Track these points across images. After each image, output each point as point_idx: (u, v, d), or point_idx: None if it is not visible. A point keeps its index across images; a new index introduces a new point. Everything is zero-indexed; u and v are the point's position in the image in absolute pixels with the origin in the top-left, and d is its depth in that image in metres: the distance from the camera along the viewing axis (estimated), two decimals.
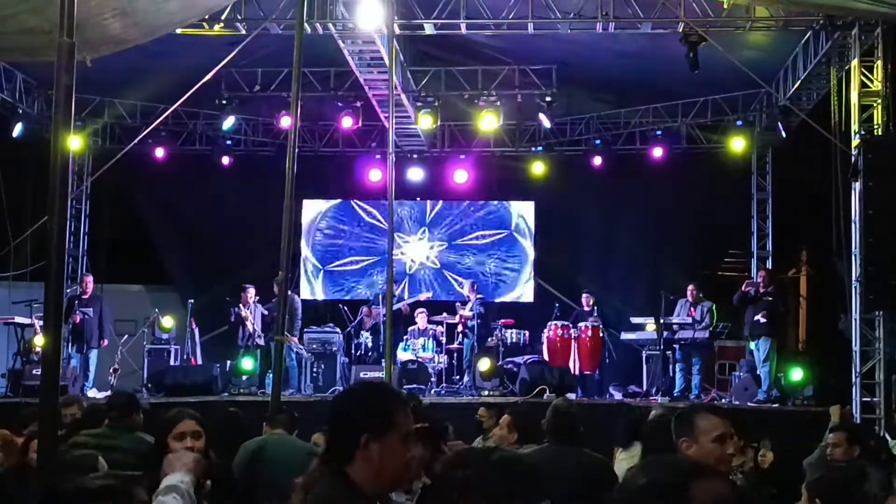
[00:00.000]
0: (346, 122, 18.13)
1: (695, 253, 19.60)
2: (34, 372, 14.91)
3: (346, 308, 18.66)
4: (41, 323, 14.40)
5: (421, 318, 17.90)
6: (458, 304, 18.46)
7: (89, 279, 17.82)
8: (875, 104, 14.07)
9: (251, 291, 17.34)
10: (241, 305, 17.18)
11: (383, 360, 13.62)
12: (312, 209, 21.24)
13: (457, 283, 20.53)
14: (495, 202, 21.26)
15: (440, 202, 21.26)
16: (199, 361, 17.84)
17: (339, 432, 3.37)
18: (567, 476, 6.08)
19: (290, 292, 15.89)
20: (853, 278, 14.02)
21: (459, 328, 17.95)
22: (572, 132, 20.17)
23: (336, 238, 21.32)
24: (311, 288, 21.03)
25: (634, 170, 19.83)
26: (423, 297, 19.04)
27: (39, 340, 15.44)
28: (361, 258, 21.12)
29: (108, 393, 15.04)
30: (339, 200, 21.38)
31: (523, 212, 21.09)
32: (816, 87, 16.55)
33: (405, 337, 17.64)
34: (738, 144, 18.91)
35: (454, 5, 14.67)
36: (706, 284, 17.98)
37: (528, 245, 20.96)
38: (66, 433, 6.81)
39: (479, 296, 18.25)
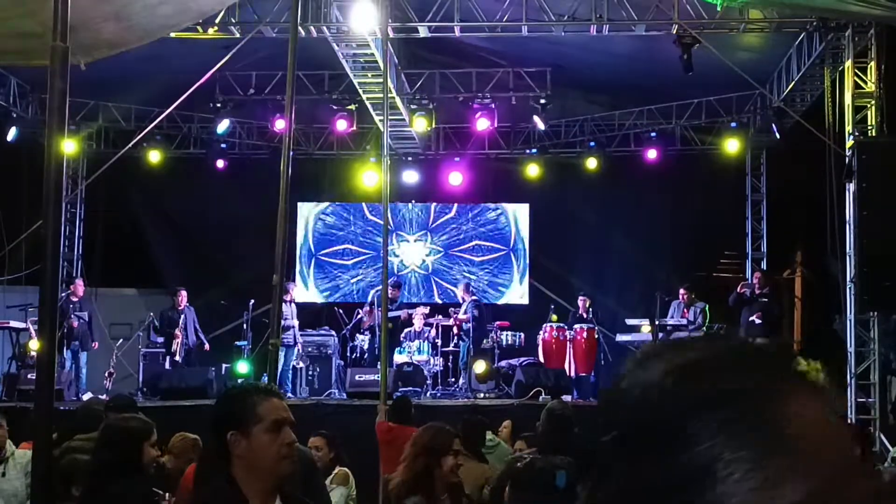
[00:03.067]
0: (341, 125, 18.15)
1: (689, 254, 19.61)
2: (29, 376, 14.89)
3: (341, 311, 18.64)
4: (36, 327, 14.39)
5: (418, 320, 17.87)
6: (451, 309, 18.44)
7: (80, 283, 17.83)
8: (869, 105, 14.09)
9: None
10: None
11: (379, 363, 13.63)
12: (307, 212, 21.25)
13: (439, 288, 20.63)
14: (495, 208, 21.24)
15: (452, 207, 21.30)
16: (188, 365, 17.82)
17: (212, 435, 3.48)
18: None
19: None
20: (848, 279, 14.04)
21: (455, 331, 17.94)
22: (567, 134, 20.20)
23: (337, 229, 21.36)
24: (304, 280, 21.01)
25: (629, 172, 19.87)
26: (418, 311, 18.93)
27: (35, 345, 15.41)
28: (357, 250, 21.14)
29: (104, 397, 15.05)
30: (335, 203, 21.43)
31: (521, 219, 21.12)
32: (810, 88, 16.59)
33: (401, 339, 17.62)
34: (732, 146, 18.94)
35: (448, 8, 14.67)
36: (701, 286, 18.00)
37: (520, 264, 21.01)
38: (59, 437, 6.79)
39: (473, 297, 18.24)
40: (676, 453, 0.98)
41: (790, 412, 0.99)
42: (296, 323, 17.42)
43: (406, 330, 17.82)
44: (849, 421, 13.19)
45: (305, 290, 20.86)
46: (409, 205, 21.17)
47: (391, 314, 15.55)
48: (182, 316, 17.62)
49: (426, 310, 18.12)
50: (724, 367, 1.02)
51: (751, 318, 16.47)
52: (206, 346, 17.97)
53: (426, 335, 17.62)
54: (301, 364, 17.40)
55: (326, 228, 21.39)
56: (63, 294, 17.20)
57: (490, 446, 9.28)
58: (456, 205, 21.26)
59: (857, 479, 1.00)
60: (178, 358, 17.51)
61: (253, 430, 3.33)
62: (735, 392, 1.00)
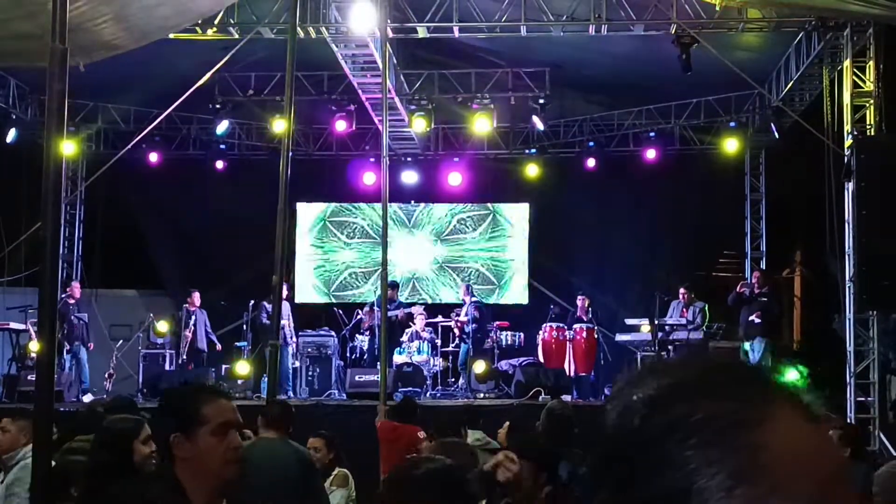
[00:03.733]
0: (340, 126, 18.15)
1: (689, 254, 19.61)
2: (29, 378, 14.89)
3: (340, 311, 18.65)
4: (36, 328, 14.40)
5: (419, 320, 17.85)
6: (453, 312, 18.44)
7: (76, 285, 17.85)
8: (867, 104, 14.09)
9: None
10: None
11: (378, 363, 13.64)
12: (306, 212, 21.27)
13: (438, 290, 20.71)
14: (498, 211, 21.26)
15: (455, 208, 21.34)
16: (195, 366, 17.82)
17: (157, 438, 3.34)
18: None
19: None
20: (847, 278, 14.04)
21: (456, 332, 17.94)
22: (566, 134, 20.20)
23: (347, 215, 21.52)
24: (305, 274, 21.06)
25: (628, 171, 19.87)
26: (416, 309, 18.95)
27: (34, 346, 15.42)
28: (365, 230, 21.28)
29: (104, 398, 15.05)
30: (335, 204, 21.47)
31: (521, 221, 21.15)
32: (809, 87, 16.59)
33: (401, 340, 17.61)
34: (731, 145, 18.93)
35: (447, 8, 14.68)
36: (701, 285, 18.01)
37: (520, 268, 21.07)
38: (60, 438, 6.79)
39: (474, 298, 18.24)
40: (654, 476, 1.01)
41: (765, 440, 1.00)
42: (286, 322, 17.26)
43: (407, 331, 17.82)
44: (847, 420, 13.21)
45: (304, 290, 20.89)
46: (412, 203, 21.17)
47: (389, 313, 15.58)
48: (193, 317, 17.64)
49: (421, 309, 18.10)
50: (698, 393, 1.04)
51: (750, 318, 16.47)
52: (218, 347, 17.99)
53: (426, 336, 17.63)
54: (297, 363, 17.38)
55: (336, 215, 21.48)
56: (62, 296, 17.22)
57: (477, 446, 9.26)
58: (458, 206, 21.27)
59: (842, 497, 1.02)
60: (183, 358, 17.53)
61: (198, 432, 3.21)
62: (708, 419, 1.01)
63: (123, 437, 5.11)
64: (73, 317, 17.10)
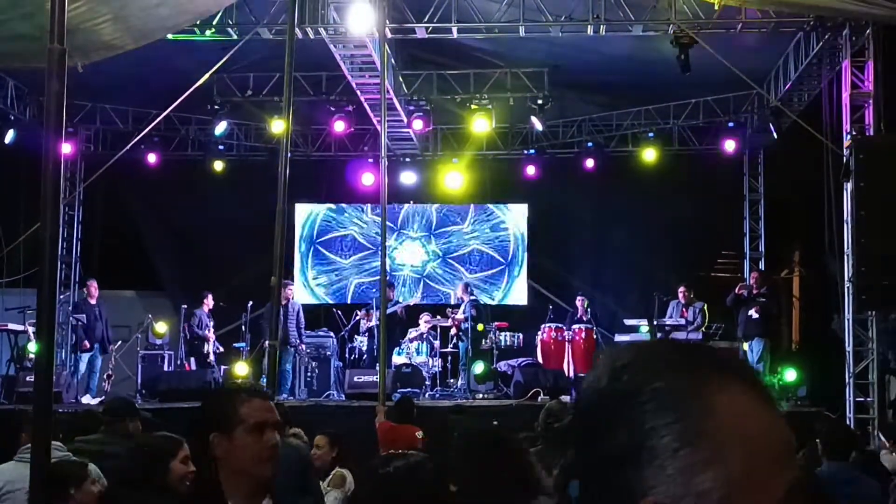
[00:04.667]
0: (339, 127, 18.13)
1: (688, 254, 19.61)
2: (28, 379, 14.88)
3: (339, 312, 18.64)
4: (34, 329, 14.38)
5: (424, 323, 17.83)
6: (448, 309, 18.44)
7: (93, 284, 17.80)
8: (866, 104, 14.07)
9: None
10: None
11: (377, 364, 13.63)
12: (305, 213, 21.26)
13: (433, 290, 20.74)
14: (497, 216, 21.24)
15: (455, 212, 21.32)
16: (193, 367, 17.82)
17: (195, 438, 3.44)
18: None
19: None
20: (846, 278, 14.03)
21: (453, 331, 17.94)
22: (564, 134, 20.20)
23: (338, 224, 21.45)
24: (304, 273, 21.03)
25: (627, 172, 19.87)
26: (413, 301, 19.01)
27: (33, 347, 15.41)
28: (359, 241, 21.22)
29: (103, 399, 15.05)
30: (333, 205, 21.45)
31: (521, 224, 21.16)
32: (807, 87, 16.58)
33: (401, 341, 17.61)
34: (729, 146, 18.94)
35: (445, 9, 14.66)
36: (699, 285, 18.00)
37: (517, 272, 21.05)
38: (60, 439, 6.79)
39: (471, 297, 18.23)
40: (614, 433, 1.17)
41: (713, 409, 1.14)
42: (294, 324, 17.32)
43: (411, 330, 17.81)
44: (846, 421, 13.20)
45: (304, 291, 20.87)
46: (410, 204, 21.18)
47: (388, 311, 15.60)
48: (210, 318, 17.75)
49: (428, 317, 18.09)
50: (661, 366, 1.20)
51: (748, 318, 16.48)
52: (220, 349, 18.01)
53: (425, 336, 17.63)
54: (287, 366, 17.34)
55: (325, 223, 21.42)
56: (63, 296, 17.26)
57: None
58: (459, 210, 21.26)
59: (779, 473, 1.14)
60: (211, 359, 17.58)
61: (235, 431, 3.26)
62: (666, 388, 1.16)
63: (161, 454, 5.12)
64: (94, 316, 17.27)
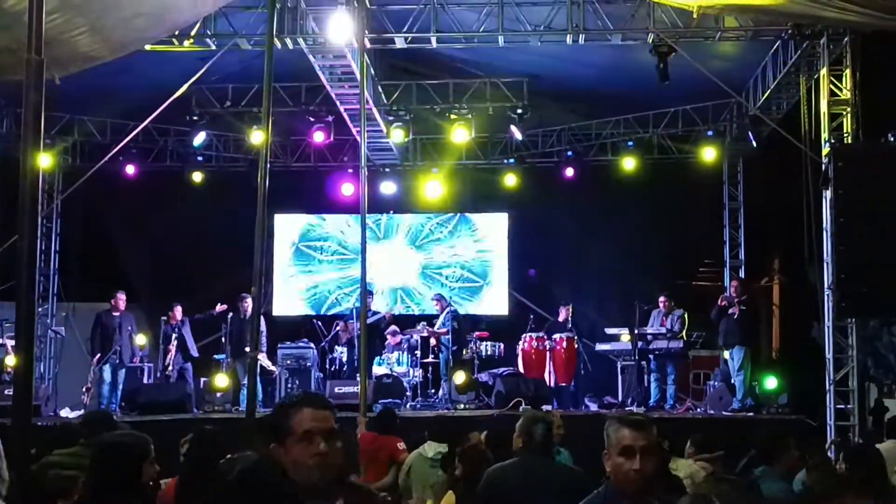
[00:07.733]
0: (318, 137, 18.07)
1: (668, 263, 19.65)
2: (7, 392, 14.76)
3: (319, 323, 18.59)
4: (12, 343, 14.25)
5: (392, 337, 17.81)
6: (421, 323, 18.41)
7: (121, 296, 17.60)
8: (844, 112, 14.13)
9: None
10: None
11: (358, 375, 13.59)
12: (284, 224, 21.21)
13: (412, 301, 20.75)
14: (477, 228, 21.25)
15: (435, 223, 21.31)
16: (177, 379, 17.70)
17: (261, 445, 3.77)
18: (540, 487, 6.07)
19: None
20: (825, 286, 14.08)
21: (433, 342, 17.91)
22: (544, 144, 20.23)
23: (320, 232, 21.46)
24: (286, 285, 20.97)
25: (606, 180, 19.90)
26: (389, 313, 18.95)
27: (11, 360, 15.28)
28: (338, 248, 21.18)
29: (81, 412, 14.93)
30: (315, 215, 21.41)
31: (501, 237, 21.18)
32: (786, 96, 16.65)
33: (382, 352, 17.58)
34: (709, 154, 19.00)
35: (424, 19, 14.65)
36: (680, 294, 18.04)
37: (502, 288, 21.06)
38: (38, 452, 6.73)
39: (449, 308, 18.20)
40: None
41: None
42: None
43: (386, 342, 17.78)
44: (827, 431, 13.23)
45: (285, 301, 20.83)
46: (391, 213, 21.15)
47: (369, 321, 15.57)
48: (175, 331, 17.56)
49: (394, 328, 18.05)
50: None
51: (728, 326, 16.51)
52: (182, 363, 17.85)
53: (405, 346, 17.59)
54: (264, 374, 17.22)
55: (306, 233, 21.42)
56: (105, 310, 17.15)
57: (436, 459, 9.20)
58: (438, 219, 21.26)
59: None
60: (170, 373, 17.42)
61: (287, 441, 3.53)
62: None
63: (133, 457, 5.02)
64: (128, 329, 17.20)
